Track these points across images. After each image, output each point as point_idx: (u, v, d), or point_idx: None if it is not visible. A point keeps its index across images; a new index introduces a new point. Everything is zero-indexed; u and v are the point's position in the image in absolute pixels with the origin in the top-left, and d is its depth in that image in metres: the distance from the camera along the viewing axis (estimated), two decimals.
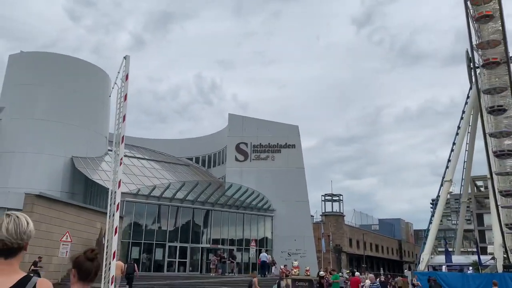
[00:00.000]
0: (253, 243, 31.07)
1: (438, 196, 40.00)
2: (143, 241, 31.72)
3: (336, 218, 57.73)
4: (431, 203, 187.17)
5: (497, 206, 31.67)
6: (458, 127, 39.34)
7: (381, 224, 79.38)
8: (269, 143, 41.34)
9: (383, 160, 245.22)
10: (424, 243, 38.08)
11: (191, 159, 48.48)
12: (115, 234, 9.91)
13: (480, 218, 64.23)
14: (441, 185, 40.23)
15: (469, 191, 49.14)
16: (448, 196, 42.45)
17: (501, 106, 33.38)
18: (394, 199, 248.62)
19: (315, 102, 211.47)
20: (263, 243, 38.37)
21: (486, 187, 67.45)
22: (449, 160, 39.48)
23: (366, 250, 63.01)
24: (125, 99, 11.62)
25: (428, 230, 39.36)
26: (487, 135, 32.98)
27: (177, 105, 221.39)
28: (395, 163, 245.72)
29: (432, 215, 40.30)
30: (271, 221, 39.10)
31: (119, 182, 10.73)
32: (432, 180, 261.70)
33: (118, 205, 10.35)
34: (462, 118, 39.05)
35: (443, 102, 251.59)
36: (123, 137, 11.09)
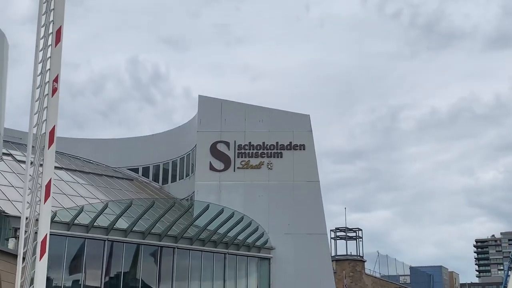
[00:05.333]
0: None
1: None
2: None
3: (353, 265, 56.48)
4: (475, 246, 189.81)
5: None
6: None
7: (414, 274, 78.83)
8: (263, 143, 39.99)
9: (402, 184, 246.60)
10: None
11: (136, 170, 46.13)
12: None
13: None
14: None
15: None
16: None
17: None
18: (417, 240, 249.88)
19: (303, 101, 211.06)
20: None
21: None
22: None
23: None
24: (58, 39, 8.11)
25: (505, 283, 38.22)
26: None
27: (102, 103, 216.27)
28: (419, 188, 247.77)
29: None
30: (268, 266, 37.78)
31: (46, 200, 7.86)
32: (471, 213, 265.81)
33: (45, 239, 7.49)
34: None
35: (485, 101, 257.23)
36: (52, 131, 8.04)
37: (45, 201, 7.13)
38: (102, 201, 34.95)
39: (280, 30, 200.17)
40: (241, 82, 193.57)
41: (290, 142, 39.79)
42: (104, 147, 47.57)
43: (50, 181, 7.43)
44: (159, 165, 45.54)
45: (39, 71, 7.60)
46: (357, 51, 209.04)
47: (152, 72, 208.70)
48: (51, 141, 7.37)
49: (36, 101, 7.49)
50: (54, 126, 7.29)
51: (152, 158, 45.72)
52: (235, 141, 39.97)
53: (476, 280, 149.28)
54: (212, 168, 39.59)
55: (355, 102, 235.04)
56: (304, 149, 39.76)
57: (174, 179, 44.44)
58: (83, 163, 44.39)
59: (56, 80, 7.48)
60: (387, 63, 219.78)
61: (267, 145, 39.86)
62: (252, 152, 39.85)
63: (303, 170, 39.30)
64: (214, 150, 39.90)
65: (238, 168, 39.56)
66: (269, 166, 39.43)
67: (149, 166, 45.84)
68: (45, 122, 7.38)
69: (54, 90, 7.51)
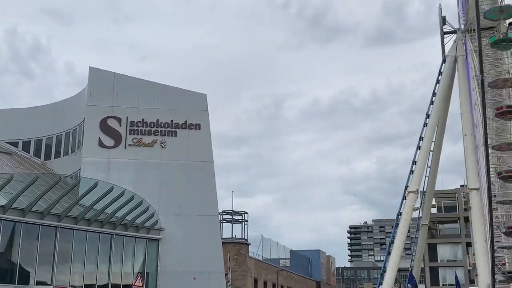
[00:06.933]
0: (138, 283, 27.18)
1: (399, 213, 40.25)
2: None
3: (238, 248, 57.36)
4: (348, 232, 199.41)
5: (492, 235, 31.23)
6: (427, 115, 40.07)
7: (294, 257, 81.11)
8: (157, 120, 39.07)
9: (283, 171, 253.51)
10: (380, 284, 38.11)
11: (15, 144, 43.19)
12: None
13: (433, 250, 68.14)
14: (404, 197, 40.67)
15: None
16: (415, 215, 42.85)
17: None
18: (296, 225, 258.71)
19: (191, 84, 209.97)
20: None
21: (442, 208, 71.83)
22: (414, 162, 40.02)
23: None
24: None
25: (384, 267, 39.42)
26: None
27: None
28: (299, 175, 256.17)
29: (392, 242, 40.45)
30: (157, 248, 37.08)
31: None
32: (346, 201, 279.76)
33: None
34: (432, 102, 40.27)
35: (362, 96, 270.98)
36: None
37: None
38: None
39: (171, 10, 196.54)
40: (128, 60, 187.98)
41: (185, 121, 39.15)
42: None
43: None
44: (42, 139, 42.96)
45: None
46: (247, 38, 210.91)
47: (32, 45, 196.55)
48: None
49: None
50: None
51: (34, 132, 43.12)
52: (127, 117, 38.63)
53: (348, 265, 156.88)
54: (101, 144, 38.01)
55: (242, 89, 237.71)
56: (199, 128, 39.28)
57: (58, 155, 42.11)
58: None
59: None
60: (275, 52, 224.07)
61: (161, 123, 38.87)
62: (145, 130, 38.69)
63: (198, 150, 38.84)
64: (104, 126, 38.28)
65: (130, 145, 38.26)
66: (162, 145, 38.46)
67: (30, 140, 43.12)
68: None
69: None
